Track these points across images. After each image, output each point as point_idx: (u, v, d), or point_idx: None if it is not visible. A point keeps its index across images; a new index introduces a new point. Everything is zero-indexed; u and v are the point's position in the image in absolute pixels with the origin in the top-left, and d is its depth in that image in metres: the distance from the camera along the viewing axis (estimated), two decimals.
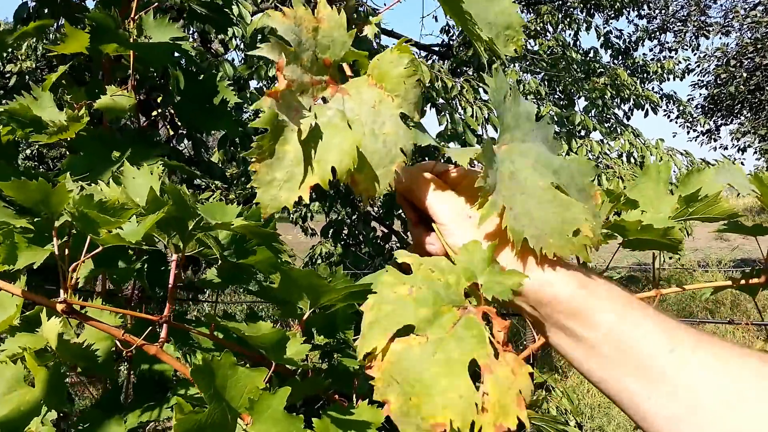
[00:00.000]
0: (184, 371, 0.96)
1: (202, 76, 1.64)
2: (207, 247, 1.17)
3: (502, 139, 0.67)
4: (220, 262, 1.14)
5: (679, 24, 12.57)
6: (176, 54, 1.55)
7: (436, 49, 5.93)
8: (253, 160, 0.61)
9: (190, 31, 3.17)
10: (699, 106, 13.70)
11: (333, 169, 0.60)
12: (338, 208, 5.10)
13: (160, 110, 2.80)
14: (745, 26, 12.92)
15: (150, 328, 0.98)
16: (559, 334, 0.61)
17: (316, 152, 0.61)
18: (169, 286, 1.09)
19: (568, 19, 6.59)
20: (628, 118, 7.13)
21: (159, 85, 2.62)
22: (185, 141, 2.83)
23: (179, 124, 2.12)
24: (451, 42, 6.14)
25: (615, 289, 0.61)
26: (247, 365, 1.03)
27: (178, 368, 0.97)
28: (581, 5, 6.81)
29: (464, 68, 5.02)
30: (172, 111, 3.08)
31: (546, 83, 5.74)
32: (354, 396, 1.28)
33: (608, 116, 5.92)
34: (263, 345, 0.92)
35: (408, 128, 0.63)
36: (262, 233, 0.96)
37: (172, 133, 3.08)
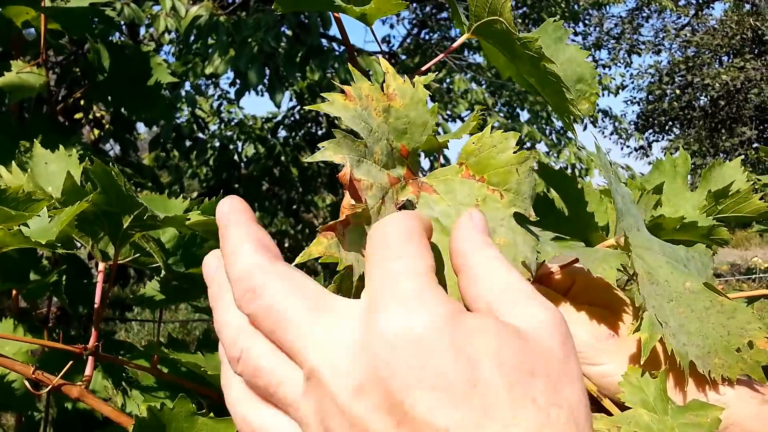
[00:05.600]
0: (120, 420, 0.71)
1: (128, 51, 1.37)
2: (145, 253, 0.91)
3: (618, 229, 0.55)
4: (163, 272, 0.88)
5: (612, 41, 13.14)
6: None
7: (380, 55, 5.80)
8: None
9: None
10: (632, 123, 14.28)
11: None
12: (277, 221, 4.84)
13: (83, 110, 2.49)
14: (675, 45, 13.59)
15: (71, 362, 0.72)
16: None
17: None
18: (95, 305, 0.84)
19: None
20: (565, 133, 7.19)
21: (80, 77, 2.31)
22: (111, 141, 2.53)
23: (103, 114, 1.85)
24: (393, 50, 6.02)
25: None
26: (204, 407, 0.78)
27: (110, 416, 0.71)
28: (521, 19, 6.85)
29: (411, 75, 4.90)
30: (98, 113, 2.77)
31: (491, 95, 5.68)
32: None
33: (551, 129, 5.91)
34: None
35: (528, 233, 0.47)
36: None
37: (96, 135, 2.75)
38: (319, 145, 0.43)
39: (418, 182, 0.48)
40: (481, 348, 0.28)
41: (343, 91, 0.44)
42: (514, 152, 0.48)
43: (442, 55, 0.76)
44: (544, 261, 0.55)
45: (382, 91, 0.47)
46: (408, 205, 0.46)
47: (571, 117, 0.67)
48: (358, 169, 0.44)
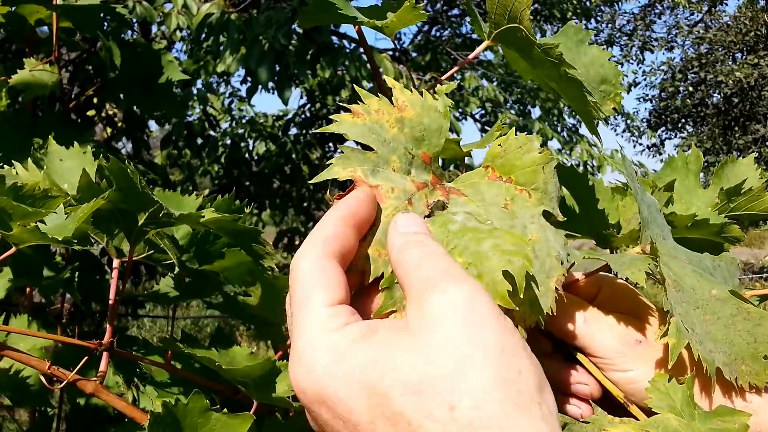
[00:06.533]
0: (134, 415, 0.71)
1: (140, 49, 1.37)
2: (159, 250, 0.92)
3: (645, 237, 0.56)
4: (177, 269, 0.88)
5: (625, 38, 13.09)
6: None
7: (391, 53, 5.77)
8: (394, 316, 0.45)
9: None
10: (645, 120, 14.22)
11: (506, 275, 0.44)
12: (288, 218, 4.85)
13: (96, 108, 2.50)
14: (688, 42, 13.51)
15: (86, 357, 0.73)
16: None
17: (468, 269, 0.45)
18: (110, 302, 0.84)
19: None
20: (577, 130, 7.16)
21: (93, 75, 2.32)
22: (123, 140, 2.54)
23: (116, 112, 1.86)
24: (404, 47, 6.00)
25: None
26: (217, 403, 0.79)
27: (125, 411, 0.71)
28: (532, 16, 6.83)
29: (422, 72, 4.90)
30: (110, 111, 2.79)
31: (502, 92, 5.66)
32: None
33: (563, 126, 5.89)
34: (244, 380, 0.68)
35: (557, 230, 0.50)
36: (240, 230, 0.72)
37: (109, 133, 2.77)
38: (328, 162, 0.45)
39: (445, 187, 0.50)
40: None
41: (349, 110, 0.47)
42: (539, 153, 0.50)
43: (462, 63, 0.76)
44: (571, 266, 0.55)
45: (392, 104, 0.49)
46: (440, 205, 0.48)
47: (596, 121, 0.67)
48: (374, 177, 0.46)
